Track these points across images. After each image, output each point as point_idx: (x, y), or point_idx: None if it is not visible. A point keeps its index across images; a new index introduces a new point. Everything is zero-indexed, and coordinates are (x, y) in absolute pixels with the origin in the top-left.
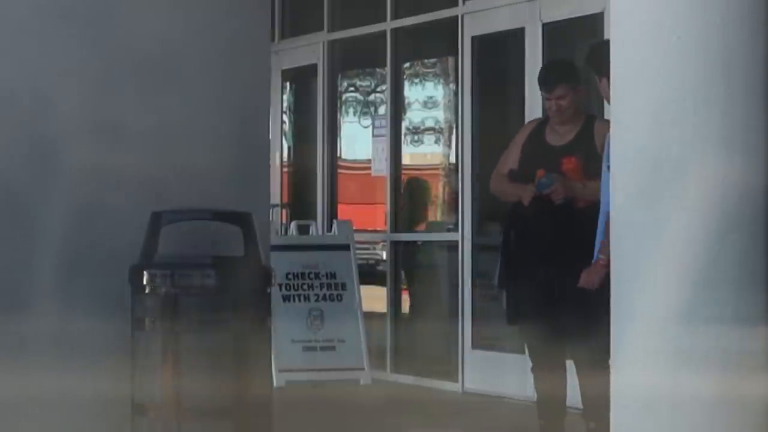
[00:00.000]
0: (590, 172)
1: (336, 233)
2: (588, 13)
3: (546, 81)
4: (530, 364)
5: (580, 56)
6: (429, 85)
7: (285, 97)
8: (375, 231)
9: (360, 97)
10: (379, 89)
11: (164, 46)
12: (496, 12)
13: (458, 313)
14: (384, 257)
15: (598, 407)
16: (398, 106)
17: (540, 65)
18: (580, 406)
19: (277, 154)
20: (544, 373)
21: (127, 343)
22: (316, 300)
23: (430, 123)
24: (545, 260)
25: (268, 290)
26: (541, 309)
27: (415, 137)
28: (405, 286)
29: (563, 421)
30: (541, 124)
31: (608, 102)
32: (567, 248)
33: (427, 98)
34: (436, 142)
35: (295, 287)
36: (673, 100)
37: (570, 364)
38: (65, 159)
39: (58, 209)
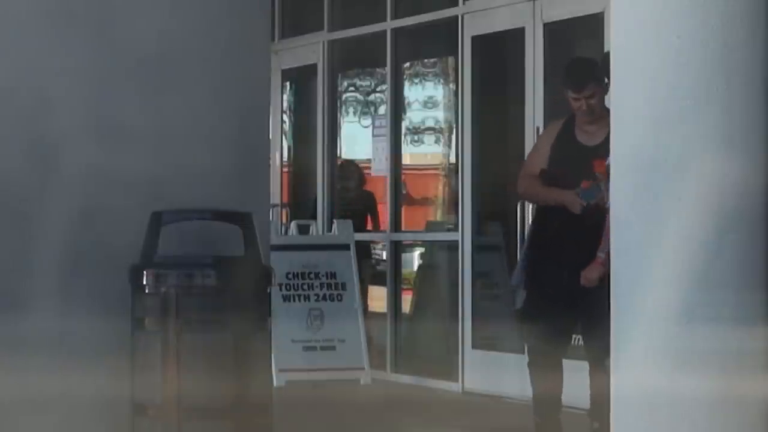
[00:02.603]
0: None
1: (336, 233)
2: (588, 13)
3: (575, 80)
4: (530, 364)
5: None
6: (429, 85)
7: (285, 97)
8: (375, 231)
9: (360, 97)
10: (379, 89)
11: (164, 46)
12: (496, 12)
13: (458, 313)
14: (384, 257)
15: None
16: (398, 106)
17: (540, 65)
18: (579, 405)
19: (277, 154)
20: (545, 371)
21: (127, 343)
22: (316, 300)
23: (430, 123)
24: (573, 262)
25: (268, 290)
26: (562, 309)
27: (415, 137)
28: (405, 286)
29: (559, 419)
30: (567, 123)
31: None
32: (593, 250)
33: (427, 98)
34: (436, 142)
35: (295, 287)
36: (673, 100)
37: (581, 365)
38: (65, 159)
39: (59, 209)
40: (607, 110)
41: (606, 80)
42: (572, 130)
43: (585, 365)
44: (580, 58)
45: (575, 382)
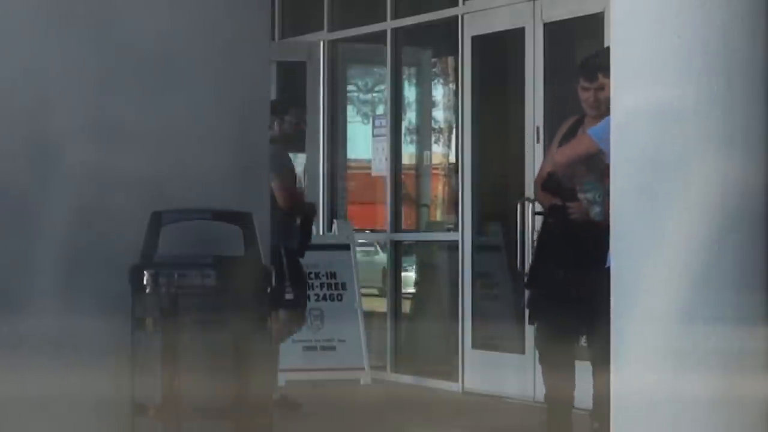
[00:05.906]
0: None
1: (336, 233)
2: (588, 13)
3: (589, 70)
4: (540, 361)
5: (582, 56)
6: (429, 85)
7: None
8: (375, 231)
9: (360, 97)
10: (379, 89)
11: (164, 45)
12: (496, 12)
13: (458, 313)
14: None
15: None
16: (398, 106)
17: (540, 65)
18: (582, 405)
19: None
20: (555, 371)
21: (127, 343)
22: (317, 300)
23: (430, 123)
24: (576, 263)
25: (268, 290)
26: (568, 310)
27: (415, 137)
28: (405, 286)
29: (570, 419)
30: (575, 124)
31: None
32: (601, 251)
33: (427, 98)
34: (436, 142)
35: None
36: (674, 100)
37: (585, 365)
38: (65, 159)
39: (59, 209)
40: None
41: None
42: (577, 131)
43: (589, 366)
44: (599, 51)
45: (578, 383)
